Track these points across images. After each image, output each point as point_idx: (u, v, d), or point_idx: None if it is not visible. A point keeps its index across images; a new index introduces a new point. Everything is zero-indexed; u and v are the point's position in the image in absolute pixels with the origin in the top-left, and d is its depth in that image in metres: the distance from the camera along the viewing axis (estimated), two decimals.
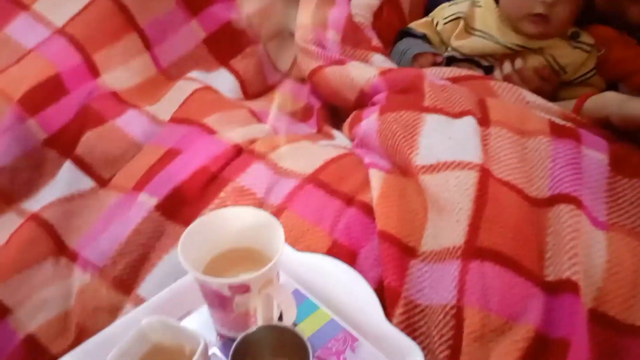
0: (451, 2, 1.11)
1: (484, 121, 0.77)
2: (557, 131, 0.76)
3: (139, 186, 0.77)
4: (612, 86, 1.01)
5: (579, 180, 0.68)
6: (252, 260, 0.60)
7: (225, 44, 1.07)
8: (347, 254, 0.68)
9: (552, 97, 0.98)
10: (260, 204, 0.73)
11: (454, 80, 0.90)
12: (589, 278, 0.59)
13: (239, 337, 0.51)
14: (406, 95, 0.84)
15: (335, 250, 0.68)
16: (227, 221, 0.61)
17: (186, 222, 0.58)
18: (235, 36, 1.08)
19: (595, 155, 0.74)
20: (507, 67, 1.00)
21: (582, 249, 0.61)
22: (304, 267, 0.67)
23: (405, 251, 0.66)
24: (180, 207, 0.74)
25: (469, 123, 0.75)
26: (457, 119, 0.77)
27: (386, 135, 0.77)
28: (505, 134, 0.74)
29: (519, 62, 0.99)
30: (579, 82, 1.03)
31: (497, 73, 1.02)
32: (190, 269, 0.54)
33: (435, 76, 0.91)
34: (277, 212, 0.71)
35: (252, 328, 0.53)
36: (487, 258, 0.59)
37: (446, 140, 0.73)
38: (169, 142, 0.83)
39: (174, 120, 0.89)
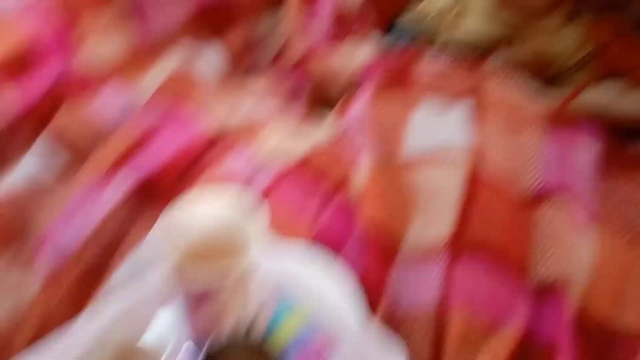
0: None
1: (478, 107, 0.74)
2: (551, 120, 0.74)
3: (112, 171, 0.73)
4: (607, 79, 0.99)
5: (571, 171, 0.67)
6: (231, 249, 0.58)
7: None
8: (330, 246, 0.65)
9: (545, 86, 0.96)
10: (241, 191, 0.70)
11: (448, 66, 0.87)
12: (576, 277, 0.58)
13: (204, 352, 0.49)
14: (398, 80, 0.82)
15: (318, 242, 0.65)
16: (204, 209, 0.58)
17: (160, 210, 0.55)
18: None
19: (589, 147, 0.73)
20: (495, 59, 0.97)
21: (568, 250, 0.59)
22: (284, 259, 0.65)
23: (389, 248, 0.63)
24: (155, 194, 0.71)
25: (463, 109, 0.73)
26: (451, 105, 0.74)
27: (376, 122, 0.74)
28: (500, 121, 0.72)
29: (505, 54, 0.96)
30: (573, 72, 1.00)
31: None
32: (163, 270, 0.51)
33: (428, 60, 0.89)
34: (259, 200, 0.68)
35: (220, 343, 0.50)
36: (475, 253, 0.58)
37: (438, 128, 0.70)
38: (146, 125, 0.79)
39: (152, 103, 0.85)
